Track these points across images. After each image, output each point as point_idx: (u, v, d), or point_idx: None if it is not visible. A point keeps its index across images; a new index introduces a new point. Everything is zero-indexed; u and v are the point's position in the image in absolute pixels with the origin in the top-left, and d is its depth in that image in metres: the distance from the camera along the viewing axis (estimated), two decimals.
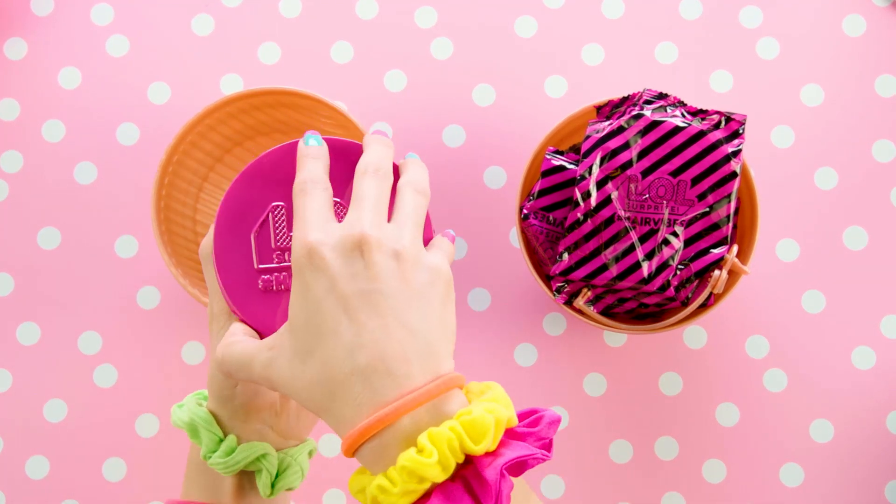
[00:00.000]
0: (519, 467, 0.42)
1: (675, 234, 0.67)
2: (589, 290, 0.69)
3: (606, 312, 0.71)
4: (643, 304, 0.70)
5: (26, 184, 0.81)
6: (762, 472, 0.76)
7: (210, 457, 0.51)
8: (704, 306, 0.69)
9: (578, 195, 0.67)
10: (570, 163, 0.70)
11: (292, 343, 0.44)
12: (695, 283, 0.68)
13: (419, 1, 0.82)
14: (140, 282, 0.80)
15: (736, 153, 0.66)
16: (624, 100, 0.69)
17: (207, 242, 0.51)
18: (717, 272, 0.66)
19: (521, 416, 0.45)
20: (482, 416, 0.41)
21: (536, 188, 0.70)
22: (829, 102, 0.79)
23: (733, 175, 0.66)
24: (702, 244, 0.67)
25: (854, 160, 0.79)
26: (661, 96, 0.68)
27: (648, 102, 0.67)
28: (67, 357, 0.79)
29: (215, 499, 0.52)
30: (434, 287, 0.45)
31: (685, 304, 0.68)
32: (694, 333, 0.78)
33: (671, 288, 0.67)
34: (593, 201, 0.67)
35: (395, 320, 0.43)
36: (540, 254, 0.71)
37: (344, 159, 0.50)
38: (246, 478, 0.53)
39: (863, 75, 0.79)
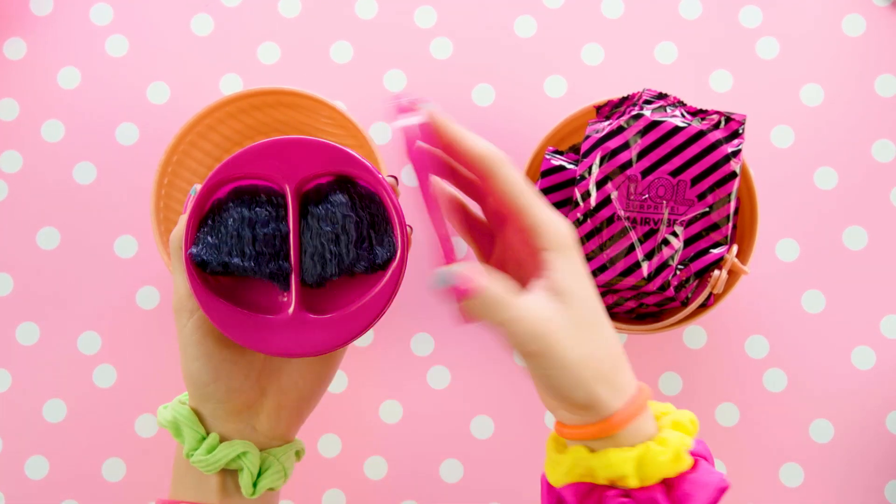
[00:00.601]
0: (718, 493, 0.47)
1: (675, 234, 0.67)
2: None
3: (606, 312, 0.71)
4: (643, 303, 0.70)
5: (26, 184, 0.81)
6: (762, 472, 0.76)
7: (192, 455, 0.52)
8: (704, 306, 0.69)
9: (578, 195, 0.67)
10: (570, 163, 0.70)
11: (573, 313, 0.46)
12: (694, 283, 0.68)
13: (419, 1, 0.82)
14: (140, 282, 0.80)
15: (736, 153, 0.66)
16: (623, 100, 0.69)
17: (179, 231, 0.50)
18: (716, 272, 0.66)
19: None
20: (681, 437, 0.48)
21: (536, 188, 0.70)
22: (829, 102, 0.79)
23: (733, 175, 0.66)
24: (701, 244, 0.67)
25: (854, 160, 0.79)
26: (661, 96, 0.68)
27: (648, 102, 0.67)
28: (67, 357, 0.79)
29: (202, 498, 0.52)
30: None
31: (685, 304, 0.68)
32: (694, 333, 0.78)
33: (671, 288, 0.67)
34: (593, 201, 0.67)
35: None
36: None
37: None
38: (231, 477, 0.53)
39: (863, 75, 0.79)
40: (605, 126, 0.68)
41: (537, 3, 0.81)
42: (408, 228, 0.51)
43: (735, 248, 0.67)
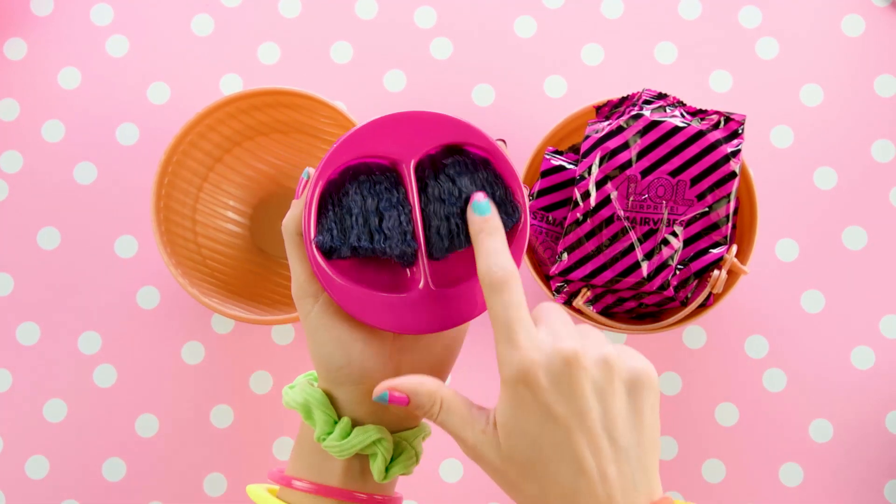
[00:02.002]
0: None
1: (675, 234, 0.67)
2: (588, 289, 0.69)
3: (606, 312, 0.71)
4: (643, 303, 0.70)
5: (26, 184, 0.81)
6: (762, 472, 0.76)
7: (324, 439, 0.50)
8: (704, 306, 0.69)
9: (578, 195, 0.67)
10: (570, 163, 0.70)
11: (513, 453, 0.44)
12: (694, 283, 0.68)
13: (419, 1, 0.82)
14: (140, 282, 0.80)
15: (735, 153, 0.66)
16: (623, 100, 0.69)
17: (295, 217, 0.49)
18: (716, 272, 0.66)
19: None
20: None
21: (536, 188, 0.70)
22: (829, 102, 0.79)
23: (732, 175, 0.66)
24: (701, 244, 0.67)
25: (853, 160, 0.79)
26: (661, 96, 0.68)
27: (648, 102, 0.67)
28: (67, 357, 0.79)
29: (322, 479, 0.51)
30: (643, 396, 0.45)
31: (685, 303, 0.68)
32: (693, 333, 0.78)
33: (670, 288, 0.67)
34: (592, 201, 0.67)
35: (611, 444, 0.44)
36: (539, 254, 0.71)
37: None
38: (357, 460, 0.51)
39: (862, 75, 0.79)
40: (605, 126, 0.68)
41: (537, 3, 0.81)
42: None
43: (734, 247, 0.67)
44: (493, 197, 0.49)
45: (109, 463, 0.78)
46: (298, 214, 0.49)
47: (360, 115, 0.80)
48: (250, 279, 0.78)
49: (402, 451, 0.51)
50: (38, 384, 0.79)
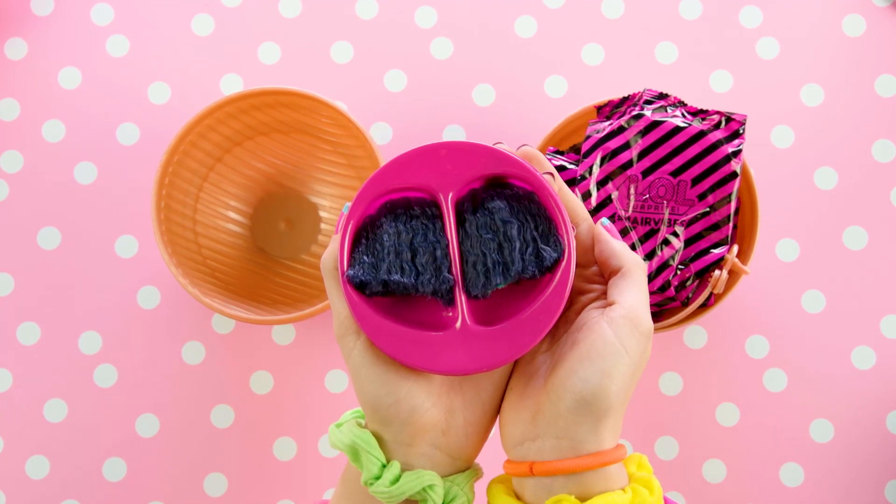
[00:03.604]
0: None
1: (676, 234, 0.67)
2: None
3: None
4: None
5: (27, 184, 0.81)
6: (762, 472, 0.76)
7: (372, 483, 0.47)
8: (704, 306, 0.69)
9: (579, 195, 0.67)
10: (571, 163, 0.70)
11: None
12: (695, 283, 0.68)
13: (419, 1, 0.82)
14: (140, 282, 0.80)
15: (736, 153, 0.66)
16: (624, 100, 0.69)
17: (332, 253, 0.47)
18: (717, 272, 0.66)
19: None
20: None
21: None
22: (829, 102, 0.79)
23: (733, 175, 0.66)
24: (702, 244, 0.67)
25: (854, 160, 0.79)
26: (662, 96, 0.68)
27: (649, 102, 0.67)
28: (67, 357, 0.79)
29: None
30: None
31: (685, 304, 0.68)
32: (694, 333, 0.78)
33: (671, 288, 0.67)
34: (594, 201, 0.67)
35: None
36: None
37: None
38: None
39: (863, 75, 0.79)
40: (606, 126, 0.68)
41: (537, 3, 0.81)
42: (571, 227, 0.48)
43: (735, 248, 0.67)
44: (535, 230, 0.47)
45: (109, 463, 0.78)
46: (335, 250, 0.47)
47: (361, 115, 0.80)
48: (251, 279, 0.78)
49: (453, 497, 0.48)
50: (38, 384, 0.79)
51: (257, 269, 0.79)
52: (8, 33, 0.82)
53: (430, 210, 0.47)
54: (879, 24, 0.80)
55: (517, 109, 0.80)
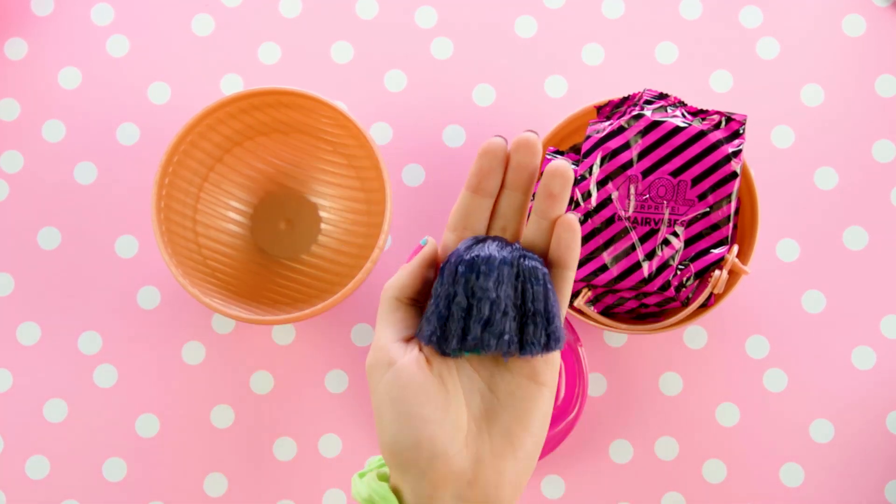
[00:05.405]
0: None
1: (676, 235, 0.67)
2: (589, 290, 0.69)
3: (607, 312, 0.71)
4: (644, 304, 0.70)
5: (27, 184, 0.81)
6: (762, 472, 0.76)
7: None
8: (704, 306, 0.69)
9: (579, 195, 0.67)
10: (571, 163, 0.70)
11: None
12: (695, 284, 0.68)
13: (419, 1, 0.82)
14: (140, 282, 0.80)
15: (736, 153, 0.66)
16: (624, 100, 0.69)
17: (397, 282, 0.46)
18: (717, 272, 0.66)
19: None
20: None
21: (536, 188, 0.70)
22: (829, 102, 0.79)
23: (734, 175, 0.66)
24: (702, 244, 0.67)
25: (854, 160, 0.79)
26: (662, 96, 0.68)
27: (649, 102, 0.67)
28: (67, 357, 0.79)
29: None
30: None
31: (685, 304, 0.68)
32: (694, 333, 0.78)
33: (671, 288, 0.67)
34: (593, 201, 0.67)
35: None
36: None
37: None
38: None
39: (863, 75, 0.79)
40: (606, 126, 0.68)
41: (537, 3, 0.81)
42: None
43: (735, 248, 0.67)
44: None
45: (109, 463, 0.78)
46: (402, 280, 0.46)
47: (361, 115, 0.80)
48: (251, 279, 0.78)
49: None
50: (38, 384, 0.79)
51: (257, 269, 0.79)
52: (8, 33, 0.82)
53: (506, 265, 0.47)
54: (879, 24, 0.80)
55: (517, 109, 0.80)
